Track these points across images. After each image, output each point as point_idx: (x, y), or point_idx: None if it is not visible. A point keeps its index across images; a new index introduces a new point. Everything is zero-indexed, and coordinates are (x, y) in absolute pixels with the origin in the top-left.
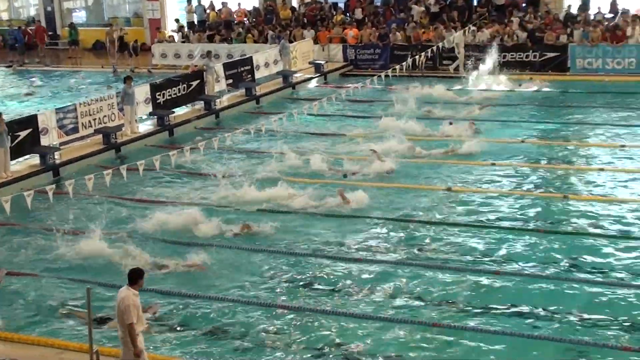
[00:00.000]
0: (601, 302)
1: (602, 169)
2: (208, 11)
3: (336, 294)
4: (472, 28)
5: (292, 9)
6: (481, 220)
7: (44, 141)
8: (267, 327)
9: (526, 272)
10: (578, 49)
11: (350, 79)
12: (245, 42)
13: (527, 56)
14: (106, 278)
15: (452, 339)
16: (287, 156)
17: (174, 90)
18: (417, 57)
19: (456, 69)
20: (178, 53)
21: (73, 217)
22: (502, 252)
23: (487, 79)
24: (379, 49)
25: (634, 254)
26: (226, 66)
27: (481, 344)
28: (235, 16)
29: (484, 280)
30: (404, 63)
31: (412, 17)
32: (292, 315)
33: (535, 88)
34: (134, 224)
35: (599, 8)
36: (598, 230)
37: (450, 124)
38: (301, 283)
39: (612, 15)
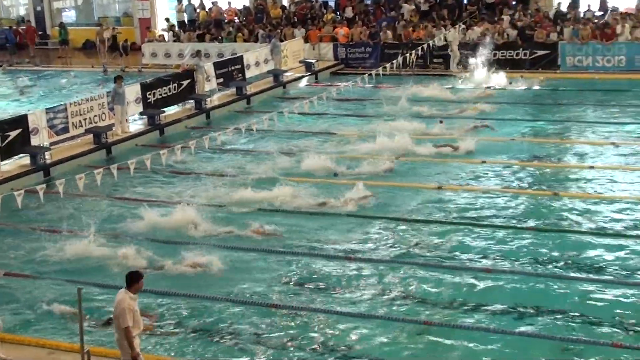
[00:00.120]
0: (593, 300)
1: (592, 167)
2: (198, 10)
3: (328, 293)
4: (462, 26)
5: (283, 7)
6: (471, 218)
7: (35, 141)
8: (261, 325)
9: (517, 270)
10: (568, 47)
11: (341, 77)
12: (235, 41)
13: (517, 54)
14: (98, 278)
15: (444, 337)
16: (275, 154)
17: (165, 89)
18: (407, 55)
19: (456, 66)
20: (168, 52)
21: (64, 217)
22: (493, 250)
23: (482, 76)
24: (370, 48)
25: (625, 252)
26: (217, 65)
27: (473, 342)
28: (225, 15)
29: (475, 279)
30: (394, 61)
31: (402, 15)
32: (285, 314)
33: (535, 86)
34: (126, 224)
35: (588, 6)
36: (589, 228)
37: (441, 122)
38: (295, 282)
39: (601, 13)
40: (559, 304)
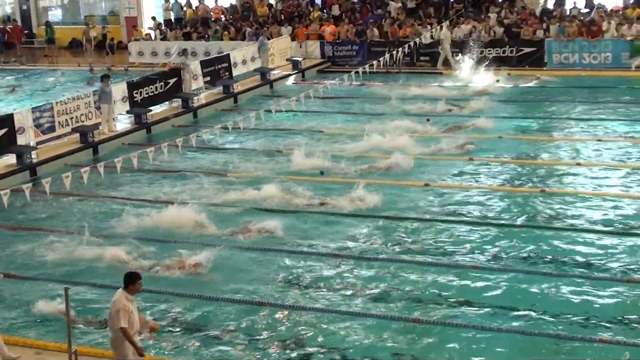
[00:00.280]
0: (581, 296)
1: (579, 163)
2: (185, 8)
3: (317, 291)
4: (447, 24)
5: (270, 5)
6: (459, 216)
7: (21, 140)
8: (253, 324)
9: (504, 266)
10: (554, 44)
11: (327, 75)
12: (222, 39)
13: (504, 52)
14: (86, 277)
15: (433, 334)
16: (262, 153)
17: (151, 88)
18: (394, 53)
19: (442, 64)
20: (155, 51)
21: (50, 217)
22: (481, 246)
23: (472, 74)
24: (357, 46)
25: (610, 248)
26: (203, 64)
27: (462, 340)
28: (212, 13)
29: (464, 276)
30: (381, 59)
31: (389, 13)
32: (275, 312)
33: (525, 84)
34: (113, 223)
35: (574, 3)
36: (577, 225)
37: (428, 120)
38: (285, 281)
39: (587, 10)
40: (547, 301)
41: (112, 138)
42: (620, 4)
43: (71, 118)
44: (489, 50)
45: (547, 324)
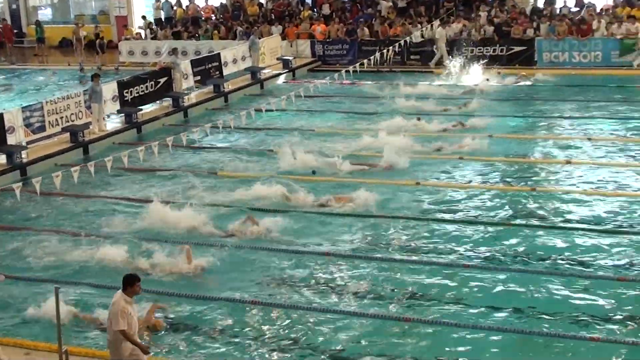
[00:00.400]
0: (570, 294)
1: (569, 162)
2: (175, 8)
3: (309, 290)
4: (439, 23)
5: (260, 5)
6: (449, 214)
7: (11, 140)
8: (247, 323)
9: (495, 265)
10: (545, 43)
11: (318, 74)
12: (212, 38)
13: (494, 50)
14: (77, 277)
15: (421, 332)
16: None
17: (142, 87)
18: (384, 52)
19: (437, 63)
20: (145, 50)
21: (40, 216)
22: (471, 245)
23: (464, 73)
24: (347, 45)
25: (601, 246)
26: (194, 63)
27: (450, 338)
28: (202, 12)
29: (452, 274)
30: (371, 58)
31: (379, 12)
32: (268, 312)
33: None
34: (103, 222)
35: (564, 2)
36: (566, 223)
37: (419, 119)
38: (276, 280)
39: (577, 9)
40: (538, 299)
41: (103, 137)
42: (611, 3)
43: (61, 117)
44: (479, 49)
45: (539, 322)
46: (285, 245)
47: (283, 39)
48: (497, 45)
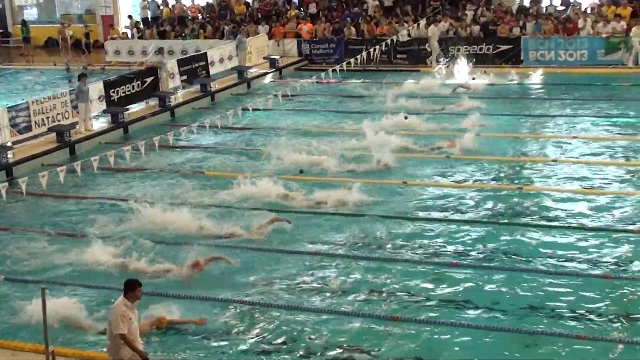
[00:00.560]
0: (556, 292)
1: (555, 160)
2: (161, 7)
3: (298, 290)
4: (426, 22)
5: (247, 4)
6: (436, 213)
7: None
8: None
9: (482, 263)
10: (531, 42)
11: (305, 73)
12: (199, 38)
13: (480, 49)
14: (64, 278)
15: (410, 331)
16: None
17: (128, 87)
18: (371, 51)
19: (431, 61)
20: (132, 50)
21: (27, 216)
22: (458, 244)
23: (450, 71)
24: (334, 44)
25: (587, 244)
26: (180, 62)
27: (438, 336)
28: (189, 12)
29: (441, 273)
30: (358, 57)
31: (365, 11)
32: (248, 309)
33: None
34: (91, 222)
35: (550, 0)
36: (552, 221)
37: (406, 118)
38: (267, 279)
39: (563, 7)
40: (524, 297)
41: (89, 137)
42: (596, 2)
43: (47, 117)
44: (465, 48)
45: (525, 320)
46: (273, 245)
47: (270, 38)
48: (484, 43)
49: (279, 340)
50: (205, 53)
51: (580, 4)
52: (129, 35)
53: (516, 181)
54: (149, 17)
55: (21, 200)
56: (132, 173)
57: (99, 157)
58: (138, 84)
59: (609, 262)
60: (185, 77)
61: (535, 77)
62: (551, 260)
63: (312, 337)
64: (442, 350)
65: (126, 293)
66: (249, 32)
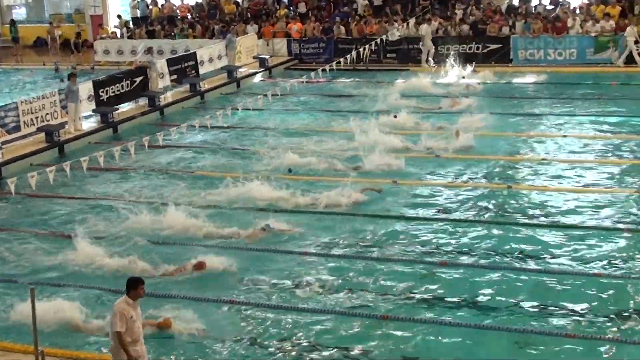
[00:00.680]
0: (547, 291)
1: (544, 159)
2: (151, 7)
3: (287, 289)
4: (413, 21)
5: (236, 3)
6: (426, 212)
7: None
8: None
9: (472, 262)
10: (520, 41)
11: (294, 73)
12: (188, 37)
13: (470, 48)
14: (54, 279)
15: (402, 330)
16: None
17: (118, 87)
18: (361, 50)
19: (426, 60)
20: (121, 49)
21: (16, 217)
22: (448, 243)
23: (440, 71)
24: (323, 43)
25: (577, 242)
26: (170, 62)
27: (431, 335)
28: (178, 11)
29: (432, 272)
30: (348, 56)
31: (355, 10)
32: (243, 310)
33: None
34: (81, 223)
35: (539, 0)
36: (542, 220)
37: (395, 117)
38: (257, 278)
39: (552, 7)
40: (514, 296)
41: (78, 137)
42: (585, 1)
43: (37, 117)
44: (455, 47)
45: (516, 319)
46: (264, 245)
47: (259, 37)
48: (473, 43)
49: (271, 341)
50: (195, 53)
51: (569, 3)
52: (119, 35)
53: (505, 180)
54: (139, 16)
55: (10, 201)
56: (122, 173)
57: (89, 157)
58: (127, 83)
59: (600, 260)
60: (174, 76)
61: (525, 76)
62: (542, 259)
63: (304, 337)
64: (433, 350)
65: (129, 291)
66: (239, 32)
